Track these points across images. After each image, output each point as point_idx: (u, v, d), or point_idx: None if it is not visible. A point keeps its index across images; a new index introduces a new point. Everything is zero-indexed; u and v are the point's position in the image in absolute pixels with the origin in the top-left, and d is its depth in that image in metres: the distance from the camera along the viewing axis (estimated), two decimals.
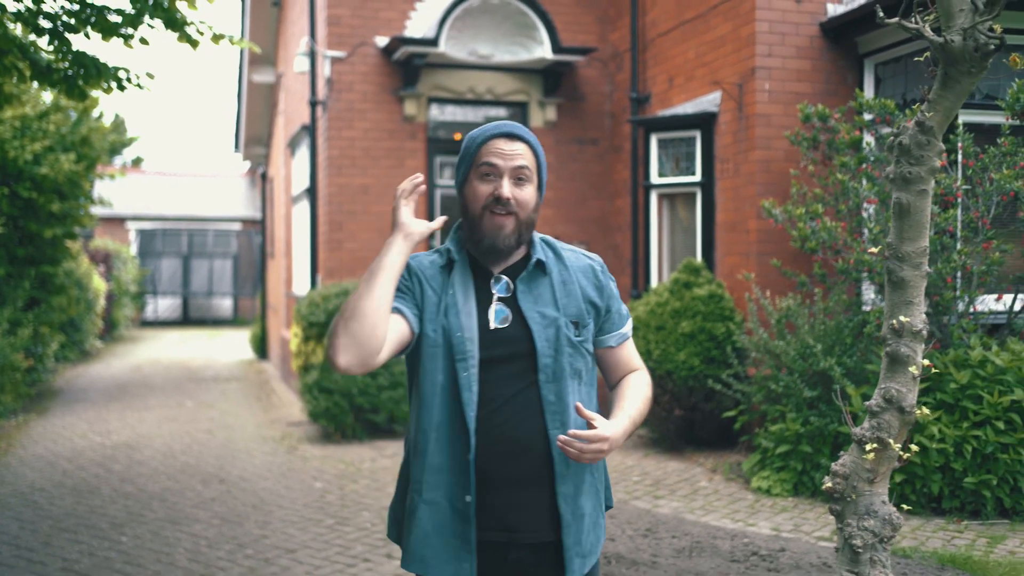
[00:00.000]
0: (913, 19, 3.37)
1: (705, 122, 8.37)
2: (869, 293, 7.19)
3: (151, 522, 5.99)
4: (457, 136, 10.31)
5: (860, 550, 3.67)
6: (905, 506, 3.80)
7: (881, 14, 3.52)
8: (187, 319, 26.58)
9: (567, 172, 10.39)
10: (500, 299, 2.24)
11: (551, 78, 10.16)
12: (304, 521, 5.99)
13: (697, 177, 8.50)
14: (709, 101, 8.39)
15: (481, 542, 2.19)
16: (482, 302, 2.24)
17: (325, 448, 8.36)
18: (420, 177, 2.29)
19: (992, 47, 3.28)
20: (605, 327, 2.33)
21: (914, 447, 3.74)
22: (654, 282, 9.11)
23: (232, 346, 19.49)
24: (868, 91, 7.80)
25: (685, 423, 7.84)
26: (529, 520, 2.19)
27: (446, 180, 10.34)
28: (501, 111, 10.48)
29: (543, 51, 9.73)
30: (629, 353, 2.40)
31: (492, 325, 2.20)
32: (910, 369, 3.59)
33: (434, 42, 9.37)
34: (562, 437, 2.10)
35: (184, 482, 7.11)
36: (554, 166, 10.28)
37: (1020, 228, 6.37)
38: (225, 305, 27.00)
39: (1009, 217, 6.54)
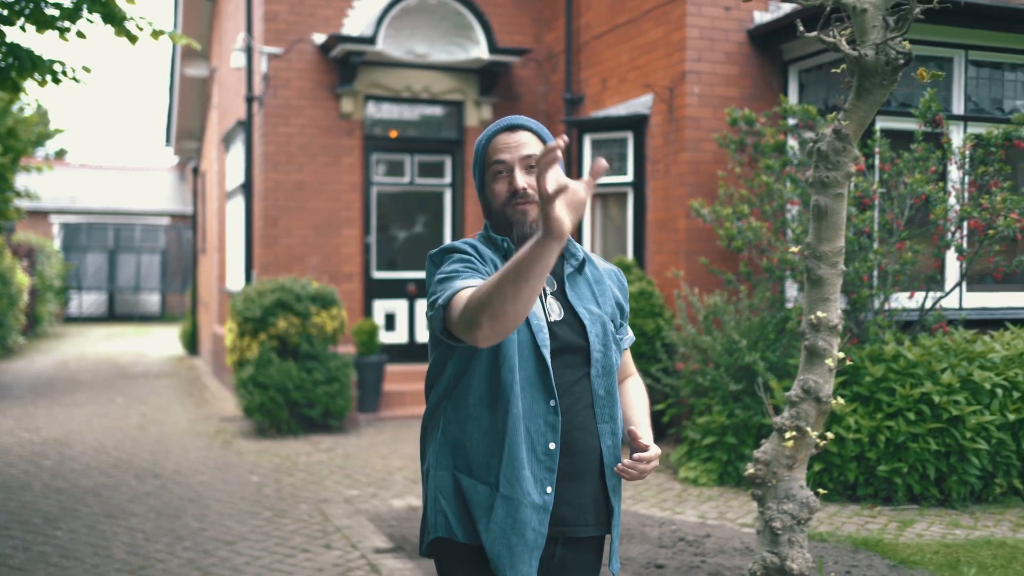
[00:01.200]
0: (831, 33, 3.61)
1: (637, 124, 8.60)
2: (792, 291, 7.50)
3: (86, 516, 5.99)
4: (393, 133, 10.40)
5: (779, 532, 3.92)
6: (822, 490, 4.05)
7: (801, 28, 3.75)
8: (113, 315, 26.11)
9: None
10: (552, 294, 2.22)
11: (487, 78, 10.31)
12: (242, 514, 6.04)
13: (629, 177, 8.74)
14: (641, 103, 8.62)
15: None
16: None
17: (260, 443, 8.39)
18: (559, 145, 1.77)
19: (901, 61, 3.54)
20: (620, 330, 2.35)
21: (830, 435, 4.00)
22: None
23: (161, 342, 19.24)
24: (792, 96, 8.11)
25: None
26: (578, 514, 2.19)
27: (381, 177, 10.43)
28: (437, 110, 10.61)
29: (480, 51, 9.88)
30: (629, 356, 2.48)
31: (552, 317, 2.19)
32: (827, 362, 3.85)
33: (372, 40, 9.45)
34: (623, 464, 2.14)
35: (118, 477, 7.09)
36: None
37: (931, 230, 6.71)
38: (152, 301, 26.57)
39: (921, 219, 6.88)
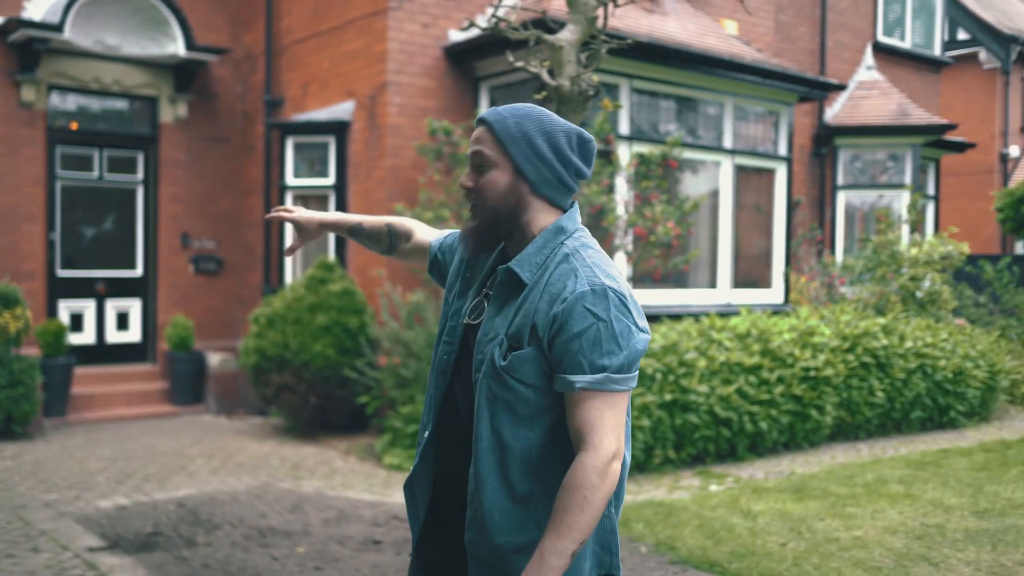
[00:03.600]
0: (535, 64, 4.21)
1: (339, 129, 8.93)
2: None
3: None
4: (74, 125, 9.92)
5: None
6: None
7: (511, 58, 4.32)
8: None
9: (198, 169, 10.42)
10: (485, 295, 2.02)
11: (183, 75, 10.14)
12: None
13: (331, 180, 9.04)
14: (343, 110, 8.96)
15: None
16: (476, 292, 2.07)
17: None
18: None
19: (592, 93, 4.21)
20: (555, 364, 1.86)
21: None
22: (288, 278, 9.50)
23: None
24: (484, 110, 8.82)
25: (319, 410, 8.34)
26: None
27: (67, 171, 9.91)
28: (129, 104, 10.26)
29: (176, 47, 9.71)
30: (579, 414, 1.83)
31: (465, 318, 2.03)
32: None
33: (58, 28, 8.99)
34: None
35: None
36: (185, 163, 10.28)
37: (602, 235, 7.65)
38: None
39: (594, 226, 7.82)
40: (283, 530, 5.44)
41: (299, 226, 2.45)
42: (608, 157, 7.81)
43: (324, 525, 5.58)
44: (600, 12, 4.74)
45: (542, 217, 1.97)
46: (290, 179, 9.38)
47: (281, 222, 2.22)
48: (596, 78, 4.21)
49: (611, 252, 7.73)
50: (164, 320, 10.15)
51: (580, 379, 1.81)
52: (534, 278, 1.90)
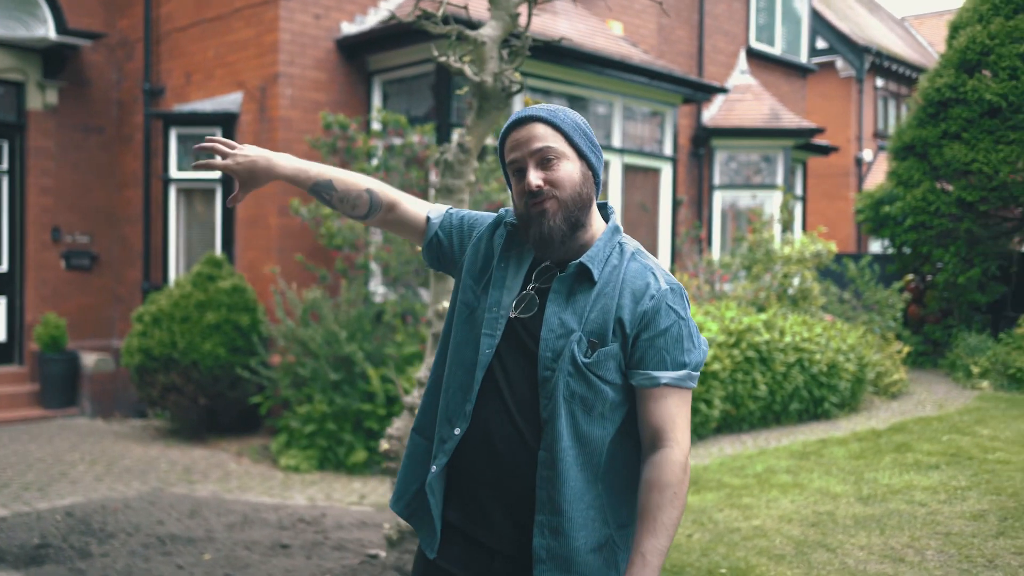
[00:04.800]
0: (460, 60, 4.17)
1: (227, 121, 8.65)
2: (378, 287, 8.09)
3: None
4: None
5: None
6: None
7: (436, 52, 4.28)
8: None
9: (70, 160, 9.90)
10: (536, 289, 1.96)
11: (53, 60, 9.61)
12: None
13: (218, 173, 8.74)
14: (231, 101, 8.68)
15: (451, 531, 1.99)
16: (522, 287, 1.98)
17: None
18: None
19: (515, 89, 4.21)
20: (635, 360, 1.89)
21: None
22: (172, 275, 9.14)
23: None
24: (377, 105, 8.71)
25: (208, 411, 8.07)
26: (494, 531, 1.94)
27: None
28: None
29: (46, 30, 9.19)
30: (660, 410, 1.87)
31: (512, 313, 1.94)
32: None
33: None
34: None
35: None
36: (55, 153, 9.75)
37: None
38: None
39: None
40: (185, 536, 5.23)
41: (243, 172, 2.04)
42: None
43: (228, 530, 5.40)
44: (522, 8, 4.75)
45: (594, 212, 1.99)
46: (173, 171, 9.03)
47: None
48: (518, 74, 4.21)
49: None
50: (33, 319, 9.60)
51: (664, 375, 1.85)
52: (603, 275, 1.91)
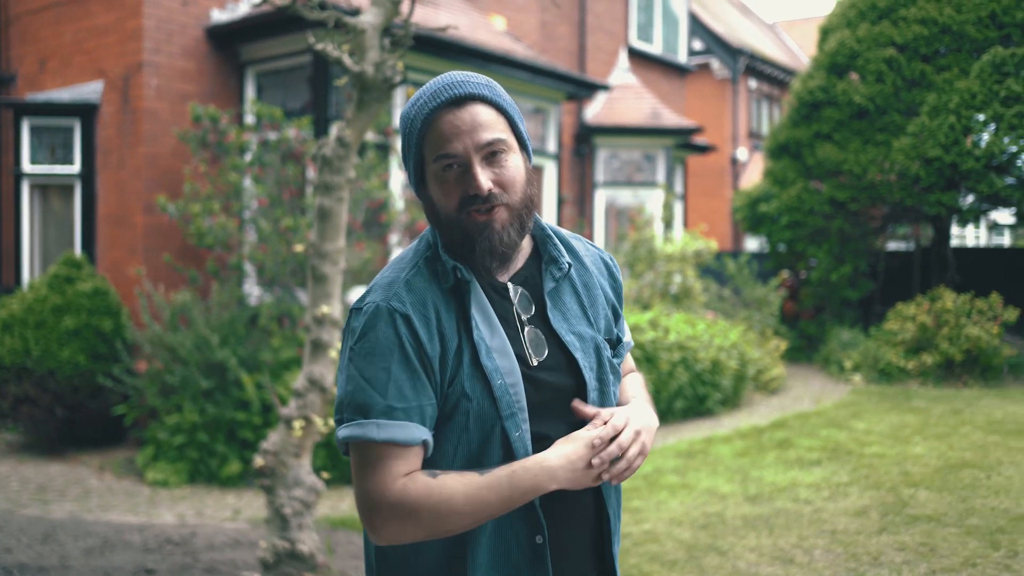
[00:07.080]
0: (337, 48, 3.90)
1: (86, 112, 8.08)
2: (253, 288, 7.69)
3: None
4: None
5: (289, 517, 4.12)
6: (326, 474, 4.34)
7: (312, 39, 3.99)
8: None
9: None
10: (530, 321, 1.60)
11: None
12: None
13: (76, 168, 8.17)
14: (91, 90, 8.12)
15: None
16: (508, 330, 1.58)
17: None
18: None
19: (397, 80, 3.96)
20: (619, 348, 1.74)
21: (331, 421, 4.31)
22: (26, 276, 8.50)
23: None
24: (251, 97, 8.29)
25: (66, 423, 7.51)
26: None
27: None
28: None
29: None
30: (627, 361, 1.85)
31: (533, 361, 1.57)
32: (330, 353, 4.14)
33: None
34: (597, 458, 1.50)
35: None
36: None
37: (382, 231, 7.40)
38: None
39: (373, 222, 7.56)
40: (35, 566, 4.78)
41: None
42: (387, 151, 7.57)
43: (86, 556, 4.97)
44: None
45: None
46: (27, 166, 8.39)
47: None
48: (401, 64, 3.97)
49: (392, 248, 7.49)
50: None
51: (627, 334, 1.79)
52: (573, 265, 1.71)
